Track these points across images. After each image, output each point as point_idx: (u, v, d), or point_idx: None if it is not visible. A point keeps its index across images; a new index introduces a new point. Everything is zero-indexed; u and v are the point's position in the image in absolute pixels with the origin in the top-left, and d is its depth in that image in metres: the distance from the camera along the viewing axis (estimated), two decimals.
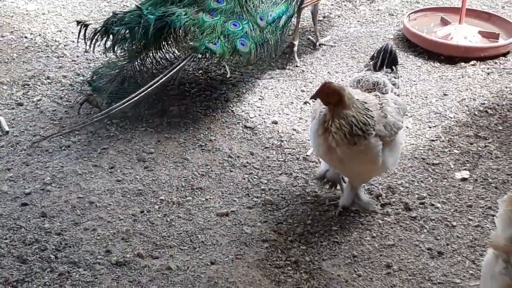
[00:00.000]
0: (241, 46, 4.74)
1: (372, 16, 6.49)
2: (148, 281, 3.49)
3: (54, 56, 5.63)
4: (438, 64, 5.66)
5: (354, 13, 6.54)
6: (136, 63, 4.85)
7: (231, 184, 4.22)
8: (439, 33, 5.96)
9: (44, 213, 3.90)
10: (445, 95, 5.19)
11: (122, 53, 4.93)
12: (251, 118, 4.87)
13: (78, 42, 5.28)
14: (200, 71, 5.38)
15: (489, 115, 4.94)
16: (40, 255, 3.61)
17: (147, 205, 4.02)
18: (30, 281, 3.46)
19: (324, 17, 6.40)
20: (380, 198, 4.12)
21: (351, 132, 3.53)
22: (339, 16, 6.47)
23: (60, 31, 6.04)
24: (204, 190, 4.16)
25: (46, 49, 5.73)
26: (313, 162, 4.41)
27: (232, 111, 4.95)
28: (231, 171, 4.33)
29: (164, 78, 4.59)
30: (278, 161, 4.43)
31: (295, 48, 5.66)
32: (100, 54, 5.60)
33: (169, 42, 4.88)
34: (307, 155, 4.48)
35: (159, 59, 4.97)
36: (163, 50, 4.95)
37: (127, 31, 4.72)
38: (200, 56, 4.68)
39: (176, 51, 5.03)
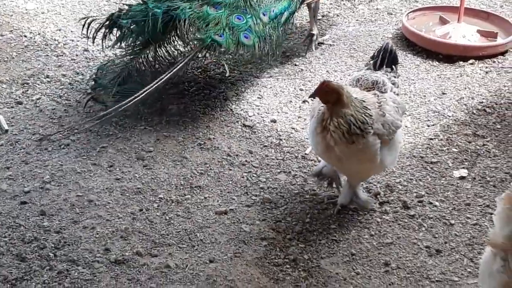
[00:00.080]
0: (244, 39, 4.78)
1: (371, 15, 6.49)
2: (147, 279, 3.50)
3: (53, 55, 5.64)
4: (437, 63, 5.66)
5: (353, 12, 6.55)
6: (142, 58, 4.89)
7: (230, 182, 4.22)
8: (437, 32, 5.96)
9: (43, 212, 3.91)
10: (443, 93, 5.20)
11: (128, 49, 4.95)
12: (250, 116, 4.88)
13: (82, 36, 5.31)
14: (199, 70, 5.38)
15: (488, 113, 4.95)
16: (39, 253, 3.62)
17: (146, 204, 4.02)
18: (29, 279, 3.46)
19: (323, 16, 6.41)
20: (378, 196, 4.12)
21: (349, 131, 3.54)
22: (338, 15, 6.47)
23: (60, 30, 6.05)
24: (203, 189, 4.16)
25: (46, 48, 5.73)
26: (311, 160, 4.42)
27: (231, 109, 4.96)
28: (230, 169, 4.34)
29: (170, 73, 4.62)
30: (277, 159, 4.44)
31: (315, 37, 5.77)
32: (100, 53, 5.63)
33: (175, 36, 4.90)
34: (305, 154, 4.49)
35: (164, 54, 5.00)
36: (169, 45, 4.98)
37: (134, 25, 4.77)
38: (206, 49, 4.71)
39: (182, 47, 5.04)
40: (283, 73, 5.46)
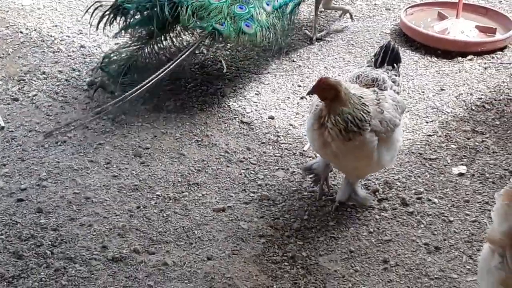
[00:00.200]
0: (246, 27, 4.83)
1: (369, 11, 6.47)
2: (145, 276, 3.48)
3: (49, 51, 5.62)
4: (435, 58, 5.65)
5: (351, 7, 6.52)
6: (147, 48, 4.95)
7: (228, 179, 4.21)
8: (436, 28, 5.94)
9: (40, 209, 3.89)
10: (442, 90, 5.19)
11: (133, 38, 5.03)
12: (247, 113, 4.86)
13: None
14: (196, 66, 5.36)
15: (486, 110, 4.94)
16: (36, 251, 3.60)
17: (143, 201, 4.01)
18: (26, 277, 3.45)
19: (320, 11, 6.36)
20: (377, 193, 4.11)
21: (346, 128, 3.53)
22: (336, 11, 6.45)
23: (56, 26, 6.02)
24: (200, 186, 4.15)
25: (42, 44, 5.71)
26: (310, 157, 4.40)
27: (229, 106, 4.94)
28: (228, 166, 4.32)
29: (174, 64, 4.68)
30: (275, 156, 4.43)
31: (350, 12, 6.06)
32: (96, 49, 5.62)
33: (178, 25, 4.95)
34: (304, 150, 4.48)
35: (169, 44, 5.05)
36: (172, 34, 5.02)
37: (138, 12, 4.86)
38: (208, 37, 4.78)
39: (187, 37, 5.10)
40: (281, 69, 5.44)
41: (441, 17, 6.12)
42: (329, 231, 3.83)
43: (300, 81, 5.27)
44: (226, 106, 4.94)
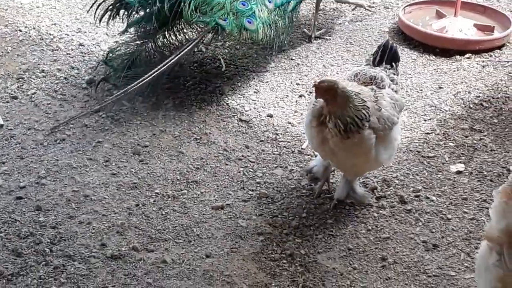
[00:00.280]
0: (247, 23, 4.89)
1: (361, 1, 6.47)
2: (144, 274, 3.49)
3: (48, 49, 5.62)
4: (433, 57, 5.65)
5: (349, 6, 6.52)
6: (150, 43, 5.04)
7: (226, 177, 4.21)
8: (434, 26, 5.95)
9: (39, 207, 3.89)
10: (440, 88, 5.19)
11: (136, 33, 5.12)
12: (246, 111, 4.86)
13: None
14: (195, 65, 5.36)
15: (484, 108, 4.95)
16: (35, 249, 3.61)
17: (142, 199, 4.01)
18: (25, 274, 3.45)
19: (320, 9, 6.38)
20: (375, 191, 4.12)
21: (346, 129, 3.54)
22: (334, 9, 6.46)
23: (55, 24, 6.03)
24: (199, 184, 4.15)
25: (41, 43, 5.71)
26: (308, 155, 4.41)
27: (227, 104, 4.94)
28: (226, 164, 4.33)
29: (176, 58, 4.77)
30: (273, 154, 4.43)
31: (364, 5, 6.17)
32: (95, 47, 5.62)
33: (180, 20, 5.00)
34: (302, 148, 4.48)
35: (171, 39, 5.13)
36: (175, 29, 5.09)
37: (141, 7, 4.94)
38: (211, 32, 4.86)
39: (189, 32, 5.17)
40: (280, 68, 5.45)
41: (440, 15, 6.12)
42: (328, 229, 3.84)
43: (299, 79, 5.28)
44: (224, 104, 4.94)
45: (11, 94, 4.99)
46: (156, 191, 4.07)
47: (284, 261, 3.60)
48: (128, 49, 5.05)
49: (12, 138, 4.51)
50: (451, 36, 5.80)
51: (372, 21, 6.24)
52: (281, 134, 4.62)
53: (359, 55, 5.63)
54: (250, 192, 4.09)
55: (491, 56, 5.65)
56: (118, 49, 5.10)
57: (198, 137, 4.57)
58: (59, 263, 3.52)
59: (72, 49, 5.62)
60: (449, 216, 3.93)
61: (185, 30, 5.11)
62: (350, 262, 3.62)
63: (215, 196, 4.05)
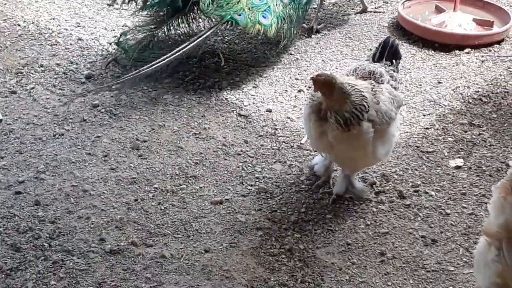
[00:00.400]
0: (262, 18, 4.94)
1: (366, 4, 6.46)
2: (142, 269, 3.49)
3: (47, 44, 5.61)
4: (433, 52, 5.65)
5: (349, 1, 6.52)
6: (163, 28, 5.13)
7: (225, 172, 4.21)
8: (433, 21, 5.94)
9: (38, 202, 3.89)
10: (439, 83, 5.19)
11: (150, 18, 5.21)
12: (245, 106, 4.86)
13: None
14: (194, 59, 5.35)
15: (483, 103, 4.94)
16: (34, 244, 3.61)
17: (141, 193, 4.01)
18: (24, 269, 3.45)
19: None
20: (374, 186, 4.12)
21: (346, 122, 3.54)
22: (333, 4, 6.45)
23: (54, 18, 6.01)
24: (198, 178, 4.15)
25: (39, 37, 5.70)
26: (307, 150, 4.41)
27: (226, 99, 4.94)
28: (225, 159, 4.33)
29: (189, 46, 4.82)
30: (272, 149, 4.43)
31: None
32: (94, 42, 5.61)
33: (196, 10, 5.10)
34: (301, 143, 4.48)
35: (184, 27, 5.23)
36: (189, 17, 5.18)
37: None
38: (224, 25, 4.93)
39: (201, 22, 5.28)
40: (279, 62, 5.44)
41: (439, 10, 6.12)
42: (327, 223, 3.84)
43: (298, 74, 5.27)
44: (223, 99, 4.94)
45: (10, 88, 4.98)
46: (155, 186, 4.07)
47: (283, 256, 3.61)
48: (140, 33, 5.13)
49: (11, 132, 4.50)
50: (450, 31, 5.79)
51: (372, 16, 6.23)
52: (280, 129, 4.62)
53: (358, 50, 5.62)
54: (249, 187, 4.09)
55: (490, 51, 5.65)
56: (131, 32, 5.20)
57: (197, 132, 4.57)
58: (58, 258, 3.52)
59: (71, 44, 5.61)
60: (448, 211, 3.93)
61: (199, 20, 5.21)
62: (349, 257, 3.62)
63: (214, 191, 4.05)
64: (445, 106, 4.90)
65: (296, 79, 5.21)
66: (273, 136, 4.55)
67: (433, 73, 5.33)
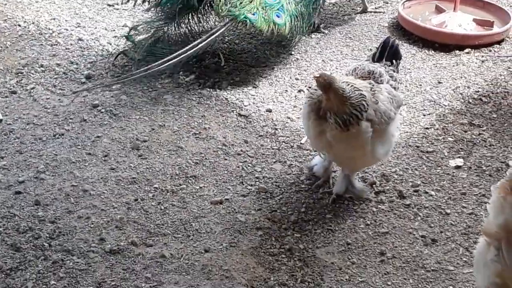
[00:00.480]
0: (276, 18, 4.97)
1: (367, 4, 6.46)
2: (142, 269, 3.49)
3: (47, 44, 5.61)
4: (433, 52, 5.65)
5: (349, 1, 6.52)
6: (174, 25, 5.19)
7: (225, 172, 4.21)
8: (433, 21, 5.94)
9: (38, 201, 3.90)
10: (439, 83, 5.19)
11: (160, 14, 5.25)
12: (245, 106, 4.86)
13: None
14: (194, 59, 5.35)
15: (483, 103, 4.94)
16: (34, 243, 3.61)
17: (141, 193, 4.01)
18: (24, 269, 3.46)
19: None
20: (374, 185, 4.12)
21: (345, 123, 3.55)
22: (333, 4, 6.45)
23: (54, 19, 6.02)
24: (198, 178, 4.15)
25: (40, 37, 5.70)
26: (307, 150, 4.41)
27: (226, 99, 4.94)
28: (225, 159, 4.33)
29: (202, 43, 4.88)
30: (272, 149, 4.43)
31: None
32: (94, 42, 5.61)
33: (208, 8, 5.18)
34: (301, 143, 4.48)
35: (196, 24, 5.30)
36: (200, 15, 5.26)
37: None
38: (239, 24, 4.96)
39: (214, 19, 5.33)
40: (279, 62, 5.44)
41: (439, 10, 6.12)
42: (326, 223, 3.84)
43: (298, 74, 5.28)
44: (223, 99, 4.94)
45: (10, 88, 4.99)
46: (155, 186, 4.07)
47: (283, 255, 3.61)
48: (151, 29, 5.17)
49: (11, 133, 4.51)
50: (450, 31, 5.79)
51: (372, 16, 6.23)
52: (280, 129, 4.62)
53: (358, 50, 5.62)
54: (249, 187, 4.09)
55: (490, 51, 5.65)
56: (141, 26, 5.23)
57: (197, 132, 4.57)
58: (58, 257, 3.52)
59: (71, 44, 5.62)
60: (448, 211, 3.94)
61: (211, 18, 5.26)
62: (348, 256, 3.62)
63: (214, 191, 4.05)
64: (445, 106, 4.90)
65: (296, 79, 5.21)
66: (273, 136, 4.55)
67: (433, 73, 5.33)
